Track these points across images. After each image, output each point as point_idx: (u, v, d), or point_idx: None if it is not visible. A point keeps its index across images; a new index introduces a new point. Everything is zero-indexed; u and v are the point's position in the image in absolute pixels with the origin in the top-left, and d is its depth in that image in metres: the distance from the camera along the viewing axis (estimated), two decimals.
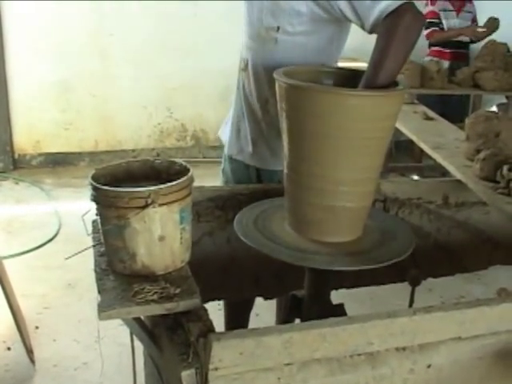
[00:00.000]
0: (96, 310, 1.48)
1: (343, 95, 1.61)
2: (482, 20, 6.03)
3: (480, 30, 5.89)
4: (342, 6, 1.96)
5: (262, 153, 2.34)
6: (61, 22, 5.76)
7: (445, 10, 5.99)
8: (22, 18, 5.69)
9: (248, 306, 2.80)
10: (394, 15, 1.80)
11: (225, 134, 2.54)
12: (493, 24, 5.91)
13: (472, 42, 6.07)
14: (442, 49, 6.07)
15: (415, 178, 5.97)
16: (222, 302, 2.86)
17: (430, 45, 6.14)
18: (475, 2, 6.18)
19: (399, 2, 1.80)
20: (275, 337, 1.34)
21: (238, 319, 2.76)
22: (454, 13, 6.00)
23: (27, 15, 5.69)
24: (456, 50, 6.05)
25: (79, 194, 5.10)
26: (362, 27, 1.96)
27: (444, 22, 6.02)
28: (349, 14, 1.96)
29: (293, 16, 2.12)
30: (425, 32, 5.99)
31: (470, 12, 6.05)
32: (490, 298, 1.68)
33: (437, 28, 6.01)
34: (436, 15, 6.01)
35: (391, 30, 1.78)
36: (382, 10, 1.82)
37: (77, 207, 4.63)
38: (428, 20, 6.01)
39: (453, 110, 5.42)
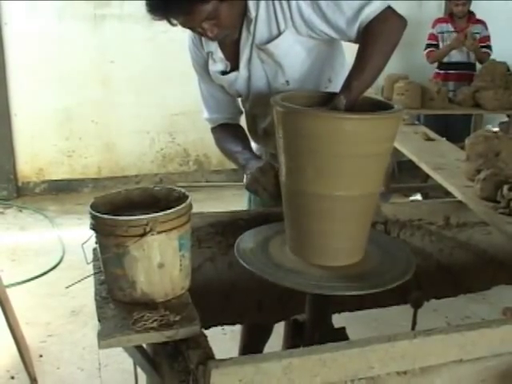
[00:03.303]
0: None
1: (339, 119, 1.62)
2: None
3: (469, 40, 5.94)
4: (322, 27, 2.01)
5: None
6: (62, 50, 5.81)
7: (444, 32, 6.04)
8: (25, 48, 5.74)
9: (265, 335, 2.79)
10: (378, 20, 1.90)
11: None
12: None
13: (480, 62, 6.11)
14: (446, 71, 6.13)
15: (418, 197, 5.97)
16: (226, 327, 2.86)
17: (438, 67, 6.23)
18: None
19: (381, 8, 1.91)
20: (274, 363, 1.34)
21: (253, 348, 2.75)
22: (455, 34, 6.04)
23: (29, 45, 5.74)
24: (460, 71, 6.10)
25: (83, 220, 5.07)
26: (349, 40, 2.03)
27: (441, 44, 6.09)
28: (332, 33, 2.02)
29: (295, 65, 2.15)
30: (424, 52, 6.10)
31: (477, 33, 6.07)
32: (492, 319, 1.68)
33: (434, 49, 6.09)
34: (434, 38, 6.10)
35: (377, 33, 1.89)
36: (365, 18, 1.91)
37: (81, 234, 4.64)
38: (427, 42, 6.12)
39: (453, 129, 5.43)
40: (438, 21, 6.17)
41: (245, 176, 2.28)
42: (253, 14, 2.05)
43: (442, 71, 6.18)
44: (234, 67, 2.20)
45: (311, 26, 2.02)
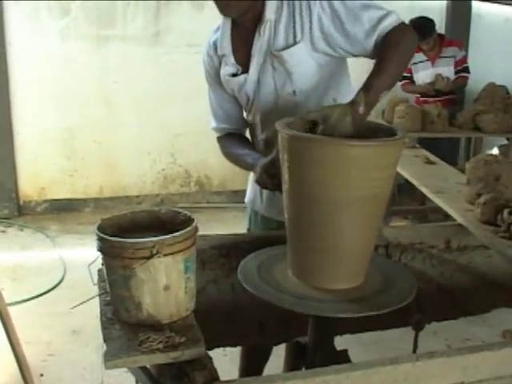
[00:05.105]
0: (101, 356, 1.50)
1: (343, 146, 1.64)
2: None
3: (430, 87, 5.99)
4: (339, 40, 2.10)
5: None
6: (65, 70, 5.85)
7: (417, 63, 5.99)
8: (28, 68, 5.78)
9: (264, 356, 2.80)
10: (396, 31, 2.03)
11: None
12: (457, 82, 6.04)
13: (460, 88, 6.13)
14: (428, 98, 6.07)
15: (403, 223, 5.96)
16: (228, 349, 2.86)
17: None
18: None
19: (397, 21, 2.04)
20: None
21: (253, 369, 2.76)
22: (429, 63, 6.02)
23: (33, 65, 5.78)
24: (440, 97, 6.01)
25: (84, 240, 5.13)
26: (364, 53, 2.12)
27: (414, 75, 6.08)
28: (349, 47, 2.12)
29: (304, 76, 2.22)
30: (399, 83, 6.07)
31: (451, 56, 6.05)
32: (493, 342, 1.69)
33: (408, 80, 6.11)
34: (408, 70, 6.07)
35: (396, 43, 2.01)
36: (382, 30, 2.03)
37: (81, 254, 4.70)
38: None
39: (446, 153, 5.34)
40: None
41: (253, 174, 2.35)
42: (271, 16, 2.15)
43: (422, 98, 6.17)
44: (245, 71, 2.27)
45: (329, 38, 2.10)
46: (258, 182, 2.18)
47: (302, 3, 2.11)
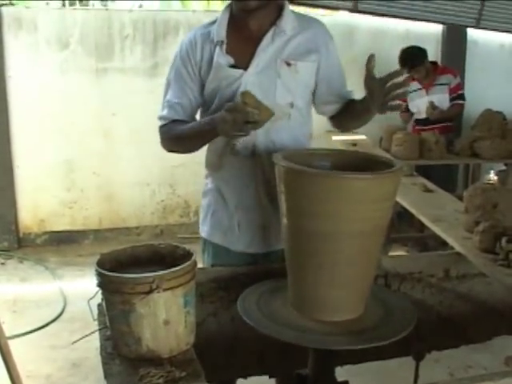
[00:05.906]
0: None
1: (340, 178, 1.65)
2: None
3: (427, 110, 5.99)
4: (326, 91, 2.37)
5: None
6: (65, 103, 5.90)
7: (411, 91, 5.91)
8: (28, 100, 5.82)
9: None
10: None
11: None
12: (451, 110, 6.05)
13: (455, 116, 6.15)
14: (422, 127, 6.07)
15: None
16: None
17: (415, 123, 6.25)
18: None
19: None
20: None
21: None
22: (423, 91, 6.02)
23: (32, 97, 5.82)
24: (435, 125, 6.00)
25: (84, 272, 5.13)
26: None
27: (410, 104, 6.08)
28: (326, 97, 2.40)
29: (304, 90, 2.30)
30: (399, 113, 6.12)
31: (445, 84, 6.05)
32: (494, 372, 1.69)
33: (404, 110, 6.10)
34: (404, 100, 6.09)
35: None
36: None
37: (81, 286, 4.69)
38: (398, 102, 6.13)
39: (444, 180, 5.30)
40: None
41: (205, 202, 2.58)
42: (287, 30, 2.23)
43: (417, 127, 6.17)
44: (241, 66, 2.26)
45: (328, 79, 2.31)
46: (225, 135, 2.15)
47: (326, 36, 2.30)
